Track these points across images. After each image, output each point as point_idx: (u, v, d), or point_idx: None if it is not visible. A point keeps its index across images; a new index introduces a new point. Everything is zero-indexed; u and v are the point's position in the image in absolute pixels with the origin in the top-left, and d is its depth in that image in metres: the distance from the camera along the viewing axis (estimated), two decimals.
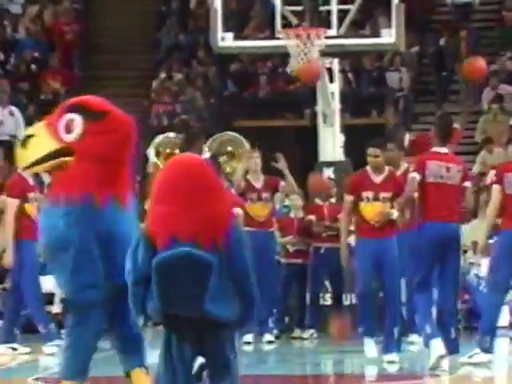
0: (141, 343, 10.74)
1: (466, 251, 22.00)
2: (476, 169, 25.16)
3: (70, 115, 10.18)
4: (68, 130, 10.09)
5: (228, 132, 18.61)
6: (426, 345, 15.71)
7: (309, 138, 20.98)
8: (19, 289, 19.07)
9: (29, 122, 28.15)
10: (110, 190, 10.30)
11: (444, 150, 15.66)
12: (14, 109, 27.95)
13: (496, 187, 15.80)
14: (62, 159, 10.14)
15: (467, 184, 15.54)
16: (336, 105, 21.56)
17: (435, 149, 15.73)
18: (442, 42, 29.35)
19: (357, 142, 21.59)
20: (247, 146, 18.03)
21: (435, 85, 28.97)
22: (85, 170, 10.15)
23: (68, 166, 10.14)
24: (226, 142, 18.01)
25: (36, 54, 30.16)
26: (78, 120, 10.13)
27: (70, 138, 10.10)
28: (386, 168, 17.16)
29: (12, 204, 18.54)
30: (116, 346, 10.64)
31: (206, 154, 17.27)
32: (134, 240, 9.25)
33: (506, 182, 15.55)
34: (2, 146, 26.71)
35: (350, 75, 26.26)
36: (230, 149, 17.75)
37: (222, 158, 17.76)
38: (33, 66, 29.94)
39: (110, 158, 10.31)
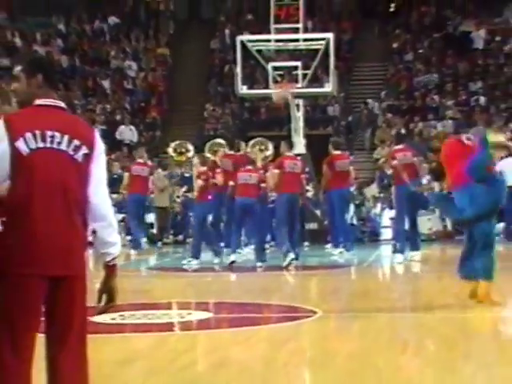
0: None
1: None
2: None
3: None
4: None
5: (260, 138, 18.61)
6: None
7: (288, 140, 20.80)
8: None
9: (140, 134, 28.15)
10: None
11: (401, 146, 15.58)
12: (132, 127, 27.90)
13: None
14: None
15: (416, 159, 15.30)
16: (301, 123, 21.44)
17: (397, 147, 15.58)
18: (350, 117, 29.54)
19: (311, 143, 21.61)
20: (270, 145, 18.03)
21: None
22: None
23: None
24: (259, 142, 18.03)
25: (143, 98, 30.08)
26: None
27: None
28: None
29: None
30: None
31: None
32: None
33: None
34: (126, 146, 26.65)
35: (308, 108, 26.09)
36: (263, 148, 17.75)
37: (257, 149, 17.75)
38: (142, 104, 29.85)
39: None
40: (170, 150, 18.74)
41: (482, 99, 27.85)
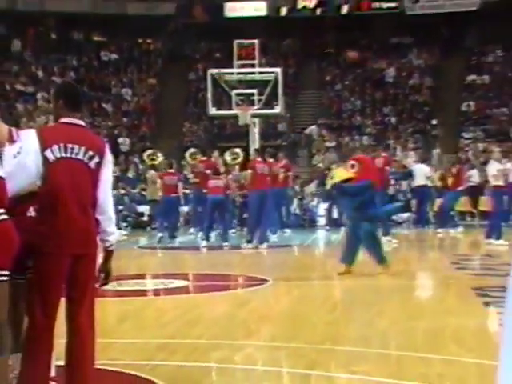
0: None
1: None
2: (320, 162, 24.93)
3: None
4: None
5: (235, 149, 18.43)
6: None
7: (247, 150, 20.65)
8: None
9: (133, 144, 27.86)
10: None
11: (383, 154, 15.54)
12: (127, 139, 27.71)
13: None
14: None
15: (387, 168, 15.04)
16: (257, 137, 21.38)
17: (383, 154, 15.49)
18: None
19: (264, 152, 21.47)
20: (241, 153, 17.84)
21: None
22: None
23: None
24: (234, 152, 17.87)
25: (136, 117, 29.63)
26: None
27: None
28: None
29: None
30: None
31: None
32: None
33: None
34: (123, 153, 26.36)
35: (263, 126, 25.98)
36: (235, 156, 17.61)
37: (232, 156, 17.58)
38: (135, 122, 29.31)
39: None
40: (145, 156, 18.71)
41: (393, 120, 28.13)
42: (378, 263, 10.23)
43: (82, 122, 4.24)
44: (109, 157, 4.21)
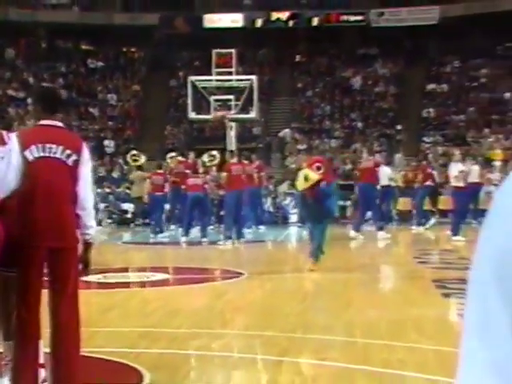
0: None
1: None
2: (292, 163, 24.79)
3: None
4: None
5: (212, 151, 18.25)
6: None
7: (223, 152, 20.50)
8: None
9: (118, 147, 27.68)
10: None
11: (370, 157, 15.22)
12: (112, 141, 27.52)
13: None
14: None
15: (377, 169, 14.94)
16: (233, 140, 21.32)
17: (369, 157, 15.25)
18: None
19: (240, 154, 21.39)
20: (217, 155, 17.70)
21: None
22: None
23: None
24: (211, 155, 17.73)
25: (121, 121, 29.53)
26: None
27: None
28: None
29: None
30: None
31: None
32: None
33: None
34: (108, 155, 26.20)
35: (239, 129, 25.87)
36: (212, 158, 17.53)
37: (209, 158, 17.46)
38: (120, 125, 29.16)
39: None
40: (128, 157, 18.54)
41: (360, 124, 28.23)
42: (311, 257, 10.07)
43: (59, 124, 4.22)
44: (86, 155, 4.17)
